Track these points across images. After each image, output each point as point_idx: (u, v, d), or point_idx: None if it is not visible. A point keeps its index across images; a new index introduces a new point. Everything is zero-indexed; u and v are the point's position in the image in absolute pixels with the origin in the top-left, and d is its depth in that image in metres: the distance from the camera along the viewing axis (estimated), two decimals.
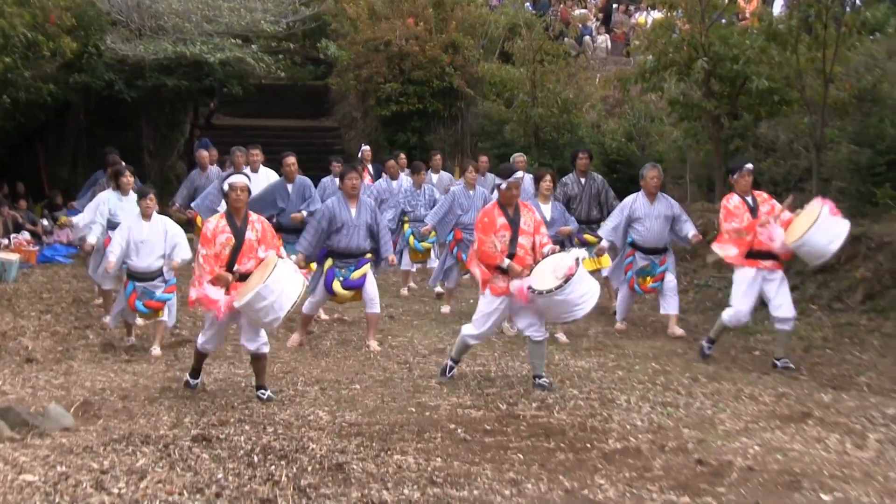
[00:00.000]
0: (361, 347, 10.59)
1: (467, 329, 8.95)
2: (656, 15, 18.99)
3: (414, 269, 14.65)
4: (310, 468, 6.17)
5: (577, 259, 8.32)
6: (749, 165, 10.09)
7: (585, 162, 12.64)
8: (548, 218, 10.84)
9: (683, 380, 9.06)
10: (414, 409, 7.96)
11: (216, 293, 8.16)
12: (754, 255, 9.66)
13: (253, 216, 8.55)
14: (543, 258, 8.61)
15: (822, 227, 9.25)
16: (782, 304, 9.68)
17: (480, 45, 23.40)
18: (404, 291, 14.27)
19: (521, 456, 6.68)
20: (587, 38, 26.38)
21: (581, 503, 5.79)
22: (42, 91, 17.05)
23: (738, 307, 9.77)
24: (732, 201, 9.86)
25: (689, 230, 11.51)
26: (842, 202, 13.29)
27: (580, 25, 26.62)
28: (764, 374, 9.38)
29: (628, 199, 11.73)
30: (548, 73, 20.11)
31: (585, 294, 8.45)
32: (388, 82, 22.08)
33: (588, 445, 6.93)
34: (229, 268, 8.30)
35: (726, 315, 9.87)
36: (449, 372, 9.05)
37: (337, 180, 14.40)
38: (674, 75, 15.38)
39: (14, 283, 14.30)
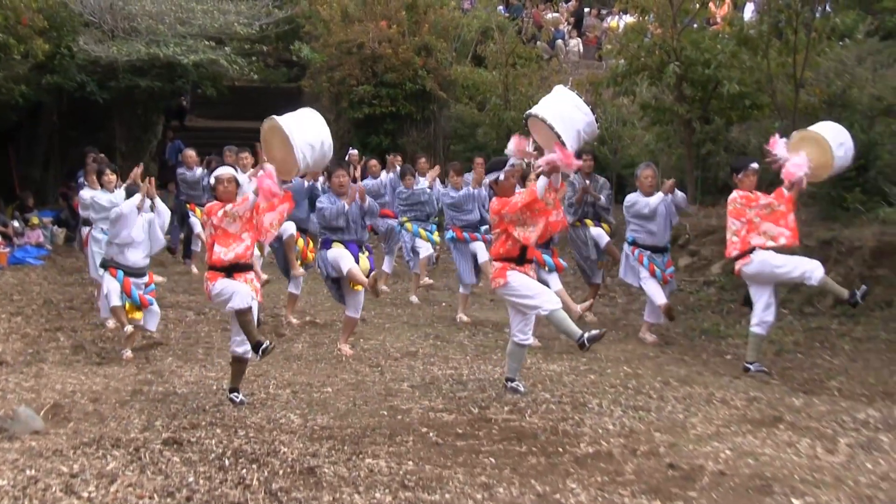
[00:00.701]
0: (333, 351, 10.57)
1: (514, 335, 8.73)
2: (628, 19, 19.09)
3: (389, 272, 14.63)
4: (281, 472, 6.15)
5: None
6: (755, 164, 9.88)
7: (590, 164, 12.54)
8: None
9: (655, 383, 9.08)
10: (386, 413, 7.95)
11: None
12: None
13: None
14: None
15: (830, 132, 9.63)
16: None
17: (453, 49, 23.46)
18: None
19: (492, 460, 6.68)
20: (559, 41, 26.44)
21: None
22: (14, 92, 16.97)
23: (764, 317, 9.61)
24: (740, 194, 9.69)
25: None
26: (812, 206, 13.42)
27: (552, 29, 26.66)
28: (735, 378, 9.42)
29: (628, 199, 11.52)
30: (520, 76, 20.21)
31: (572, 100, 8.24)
32: (360, 85, 22.07)
33: (560, 449, 6.94)
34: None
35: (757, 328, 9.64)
36: (513, 390, 8.73)
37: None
38: (646, 79, 15.45)
39: None
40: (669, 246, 11.56)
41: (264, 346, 8.06)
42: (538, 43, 24.52)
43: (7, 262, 16.28)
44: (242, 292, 8.08)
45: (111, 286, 10.43)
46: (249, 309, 8.10)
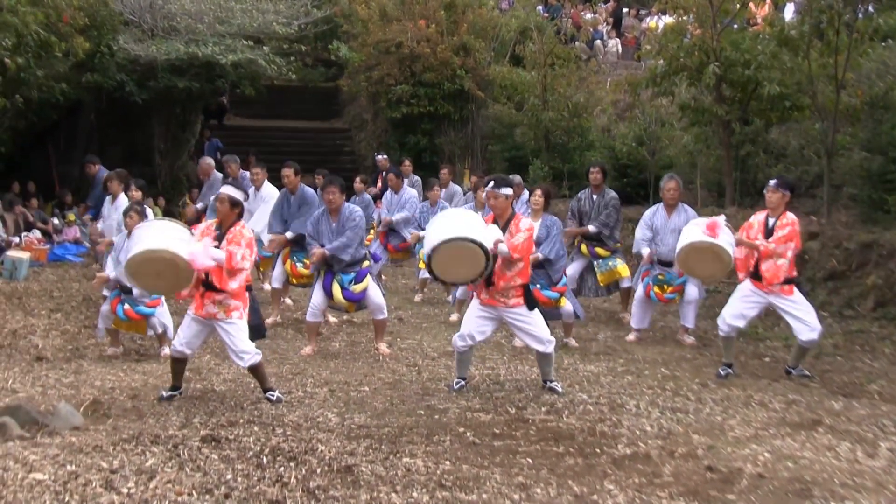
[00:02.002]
0: (371, 350, 10.60)
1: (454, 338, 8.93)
2: (667, 19, 18.99)
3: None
4: (319, 470, 6.17)
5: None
6: (773, 182, 9.76)
7: (597, 177, 12.41)
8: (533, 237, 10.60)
9: (693, 385, 9.05)
10: (423, 412, 7.95)
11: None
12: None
13: (236, 228, 8.34)
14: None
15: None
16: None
17: (491, 48, 23.46)
18: (418, 298, 14.21)
19: (530, 460, 6.67)
20: (598, 42, 26.37)
21: None
22: (54, 90, 17.07)
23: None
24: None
25: None
26: (852, 209, 13.30)
27: (591, 29, 26.60)
28: (774, 381, 9.35)
29: (648, 212, 11.67)
30: (558, 76, 20.14)
31: (451, 224, 8.44)
32: (398, 84, 22.12)
33: (597, 450, 6.93)
34: (206, 274, 8.18)
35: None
36: (455, 389, 8.88)
37: (364, 196, 14.52)
38: (684, 80, 15.37)
39: (24, 281, 14.31)
40: None
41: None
42: (576, 43, 24.46)
43: (47, 258, 16.41)
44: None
45: (103, 309, 10.51)
46: None
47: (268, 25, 20.04)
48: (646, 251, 11.43)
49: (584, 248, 12.41)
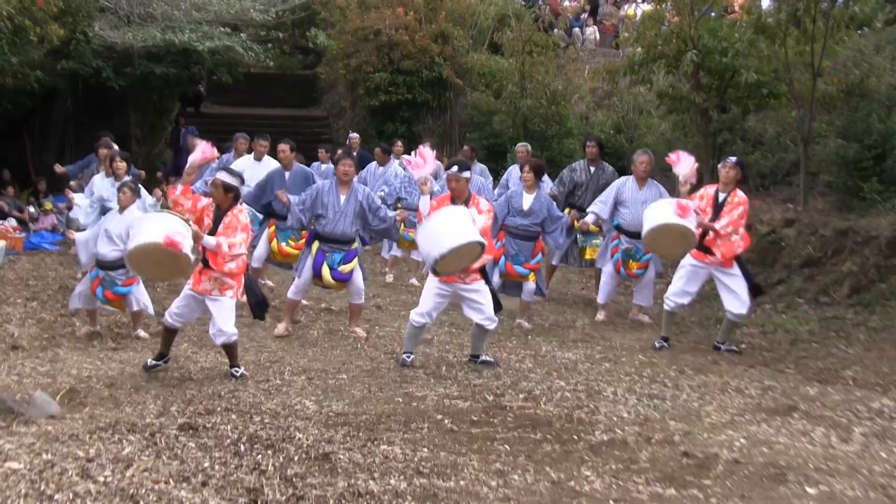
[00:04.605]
0: (349, 338, 10.59)
1: (412, 311, 9.31)
2: (645, 7, 19.02)
3: (400, 255, 14.60)
4: (296, 457, 6.16)
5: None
6: (732, 158, 10.49)
7: (593, 150, 12.82)
8: (525, 208, 11.02)
9: (670, 372, 9.09)
10: (401, 400, 7.97)
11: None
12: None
13: (233, 212, 8.65)
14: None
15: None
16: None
17: (470, 36, 23.39)
18: (389, 278, 14.24)
19: (507, 447, 6.69)
20: (576, 29, 26.37)
21: (567, 494, 5.79)
22: (29, 77, 16.95)
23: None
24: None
25: None
26: (828, 196, 13.36)
27: (569, 17, 26.59)
28: (750, 367, 9.42)
29: (619, 181, 11.92)
30: (537, 64, 20.14)
31: (439, 227, 8.71)
32: (377, 72, 22.07)
33: (575, 437, 6.96)
34: (203, 251, 8.57)
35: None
36: (407, 362, 9.26)
37: (323, 166, 14.42)
38: (662, 68, 15.38)
39: (0, 270, 14.24)
40: None
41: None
42: (555, 31, 24.47)
43: (23, 247, 16.32)
44: None
45: (82, 287, 10.59)
46: None
47: (245, 12, 19.94)
48: (590, 218, 11.74)
49: (575, 222, 12.48)
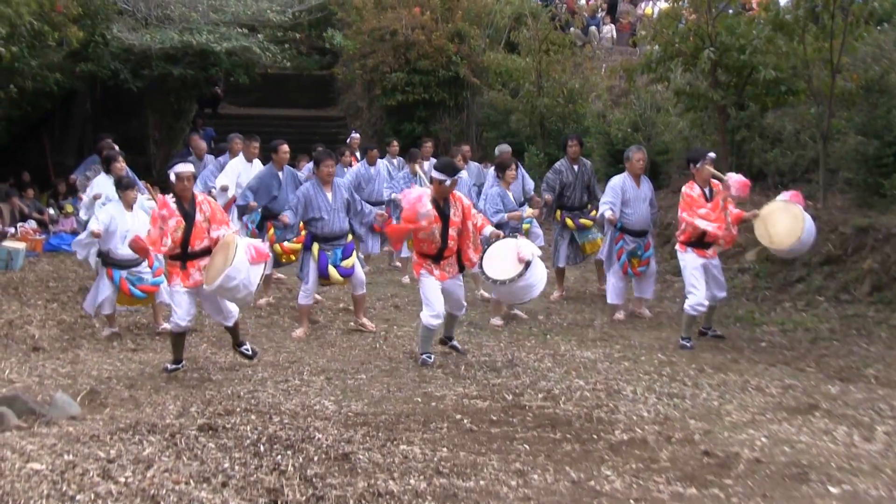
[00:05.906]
0: (367, 337, 10.61)
1: (423, 315, 9.37)
2: (662, 4, 18.96)
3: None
4: (316, 458, 6.16)
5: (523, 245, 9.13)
6: (711, 155, 10.56)
7: (576, 150, 12.79)
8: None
9: (689, 371, 9.05)
10: (420, 399, 7.97)
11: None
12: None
13: (199, 197, 8.99)
14: (489, 245, 9.25)
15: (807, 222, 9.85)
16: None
17: (486, 35, 23.40)
18: (406, 280, 14.23)
19: (527, 447, 6.68)
20: (593, 28, 26.31)
21: (587, 494, 5.78)
22: (48, 80, 17.06)
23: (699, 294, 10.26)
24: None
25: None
26: (848, 193, 13.29)
27: (586, 15, 26.53)
28: (771, 366, 9.35)
29: (617, 181, 11.79)
30: (553, 62, 20.13)
31: (540, 277, 9.19)
32: (393, 72, 22.11)
33: (594, 436, 6.93)
34: (184, 249, 8.77)
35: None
36: (429, 362, 9.36)
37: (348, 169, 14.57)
38: (680, 65, 15.32)
39: (20, 271, 14.31)
40: (650, 229, 11.97)
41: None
42: (571, 29, 24.41)
43: (43, 249, 16.41)
44: None
45: (106, 294, 10.62)
46: None
47: (262, 13, 20.04)
48: (609, 213, 11.59)
49: (569, 221, 12.67)
